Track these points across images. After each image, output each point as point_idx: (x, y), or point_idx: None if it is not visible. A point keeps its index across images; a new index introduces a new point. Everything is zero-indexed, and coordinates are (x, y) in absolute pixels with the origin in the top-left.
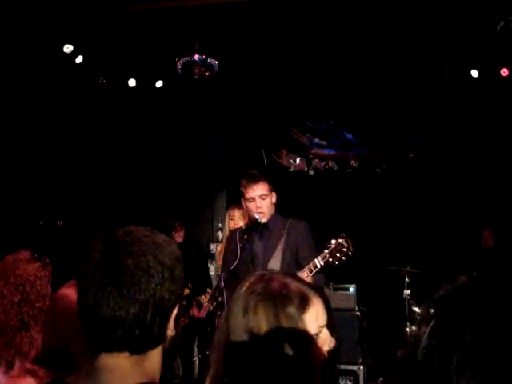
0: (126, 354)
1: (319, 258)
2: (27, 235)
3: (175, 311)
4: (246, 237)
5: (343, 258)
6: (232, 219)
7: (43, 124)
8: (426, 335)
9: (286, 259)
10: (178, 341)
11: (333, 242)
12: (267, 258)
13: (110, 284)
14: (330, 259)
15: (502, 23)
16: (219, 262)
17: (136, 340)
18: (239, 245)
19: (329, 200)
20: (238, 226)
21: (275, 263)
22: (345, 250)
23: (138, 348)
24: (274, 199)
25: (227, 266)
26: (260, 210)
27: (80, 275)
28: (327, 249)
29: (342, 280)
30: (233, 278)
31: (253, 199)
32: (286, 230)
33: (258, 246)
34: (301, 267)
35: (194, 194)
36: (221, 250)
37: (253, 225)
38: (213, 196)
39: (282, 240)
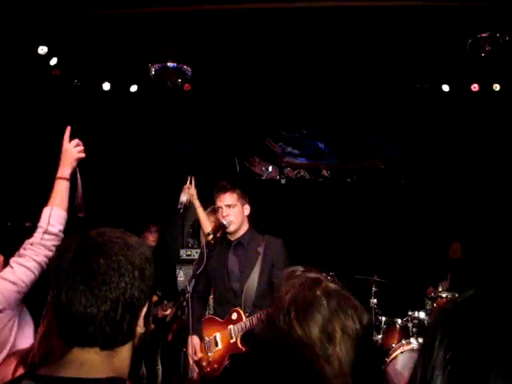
0: (97, 350)
1: None
2: None
3: (145, 309)
4: (214, 248)
5: None
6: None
7: (14, 125)
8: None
9: (263, 278)
10: (147, 339)
11: None
12: (245, 276)
13: (83, 282)
14: None
15: (470, 40)
16: None
17: (106, 336)
18: (206, 250)
19: (300, 208)
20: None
21: (253, 282)
22: None
23: (108, 344)
24: (246, 211)
25: (193, 272)
26: (226, 219)
27: (54, 274)
28: None
29: None
30: (199, 284)
31: (220, 208)
32: (262, 248)
33: (232, 261)
34: (273, 285)
35: (165, 199)
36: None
37: (225, 237)
38: None
39: (259, 258)
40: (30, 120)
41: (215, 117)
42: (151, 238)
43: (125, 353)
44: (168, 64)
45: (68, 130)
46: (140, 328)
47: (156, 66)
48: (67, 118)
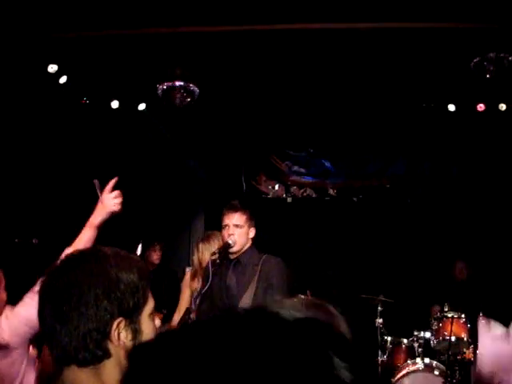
0: (76, 367)
1: None
2: (2, 253)
3: (115, 325)
4: (219, 266)
5: None
6: (198, 251)
7: (22, 141)
8: None
9: (258, 296)
10: None
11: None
12: (240, 294)
13: (47, 300)
14: None
15: (474, 61)
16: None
17: (75, 354)
18: (211, 269)
19: (306, 227)
20: (206, 258)
21: (247, 299)
22: None
23: (82, 361)
24: (251, 234)
25: (200, 290)
26: (231, 238)
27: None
28: None
29: None
30: (203, 302)
31: (227, 226)
32: (259, 266)
33: (231, 279)
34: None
35: (172, 218)
36: (192, 279)
37: (226, 255)
38: (191, 220)
39: (255, 277)
40: (39, 137)
41: (222, 135)
42: (155, 256)
43: (109, 369)
44: (175, 83)
45: (114, 181)
46: (122, 343)
47: (163, 84)
48: (75, 135)
